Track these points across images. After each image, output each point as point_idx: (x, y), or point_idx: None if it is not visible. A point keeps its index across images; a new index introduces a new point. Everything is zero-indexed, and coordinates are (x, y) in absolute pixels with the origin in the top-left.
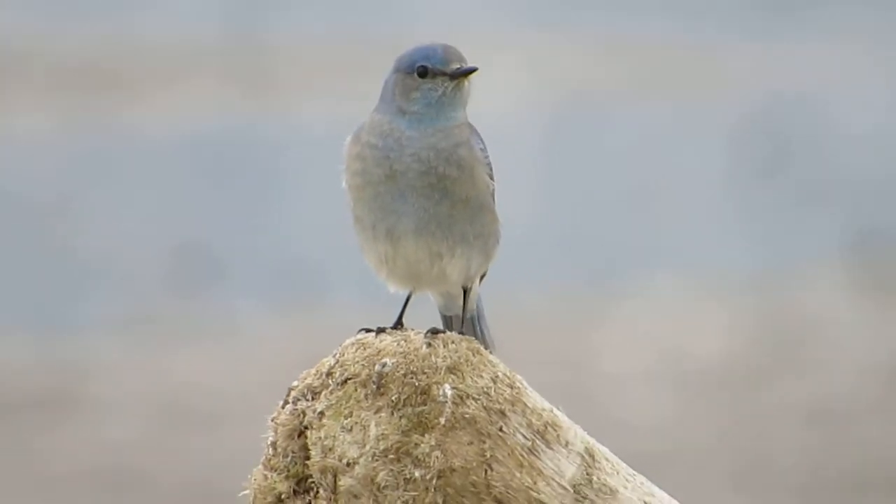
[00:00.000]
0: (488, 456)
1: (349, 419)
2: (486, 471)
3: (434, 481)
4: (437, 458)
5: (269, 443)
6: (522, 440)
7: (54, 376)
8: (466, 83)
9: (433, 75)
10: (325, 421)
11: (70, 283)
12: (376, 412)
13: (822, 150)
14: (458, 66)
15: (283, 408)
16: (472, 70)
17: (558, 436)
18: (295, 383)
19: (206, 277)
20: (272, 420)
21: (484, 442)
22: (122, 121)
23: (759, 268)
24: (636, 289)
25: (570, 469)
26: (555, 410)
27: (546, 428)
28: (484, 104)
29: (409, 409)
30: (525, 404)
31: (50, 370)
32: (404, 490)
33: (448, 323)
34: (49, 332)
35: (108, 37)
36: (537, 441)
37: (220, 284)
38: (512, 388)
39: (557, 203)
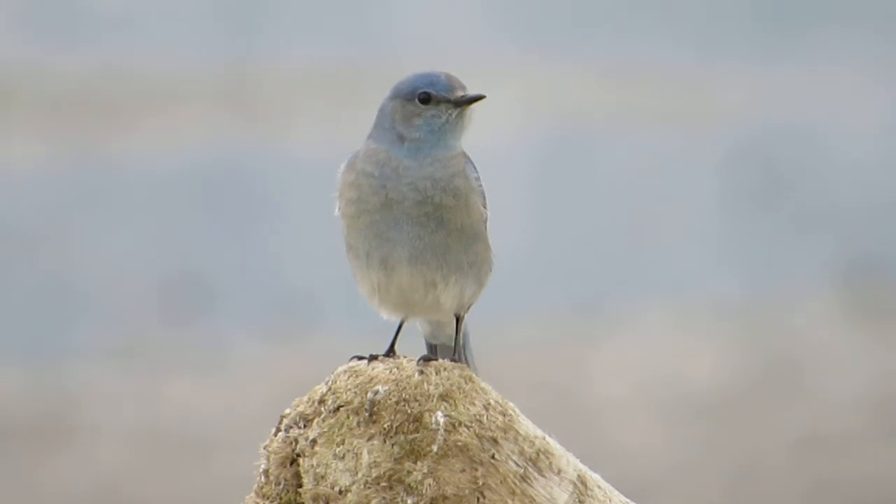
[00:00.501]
0: (480, 483)
1: (341, 447)
2: (478, 498)
3: None
4: (429, 485)
5: (261, 470)
6: (515, 467)
7: (47, 404)
8: (469, 111)
9: (436, 102)
10: (317, 448)
11: (63, 312)
12: (369, 439)
13: (815, 179)
14: (463, 93)
15: (275, 435)
16: (479, 98)
17: (550, 463)
18: (287, 411)
19: (198, 306)
20: (264, 448)
21: (476, 469)
22: (114, 150)
23: (751, 296)
24: (629, 316)
25: (562, 496)
26: (547, 438)
27: (538, 455)
28: (477, 131)
29: (402, 437)
30: (517, 432)
31: (43, 398)
32: None
33: (433, 350)
34: (42, 360)
35: (100, 67)
36: (529, 468)
37: (212, 313)
38: (504, 415)
39: (551, 230)
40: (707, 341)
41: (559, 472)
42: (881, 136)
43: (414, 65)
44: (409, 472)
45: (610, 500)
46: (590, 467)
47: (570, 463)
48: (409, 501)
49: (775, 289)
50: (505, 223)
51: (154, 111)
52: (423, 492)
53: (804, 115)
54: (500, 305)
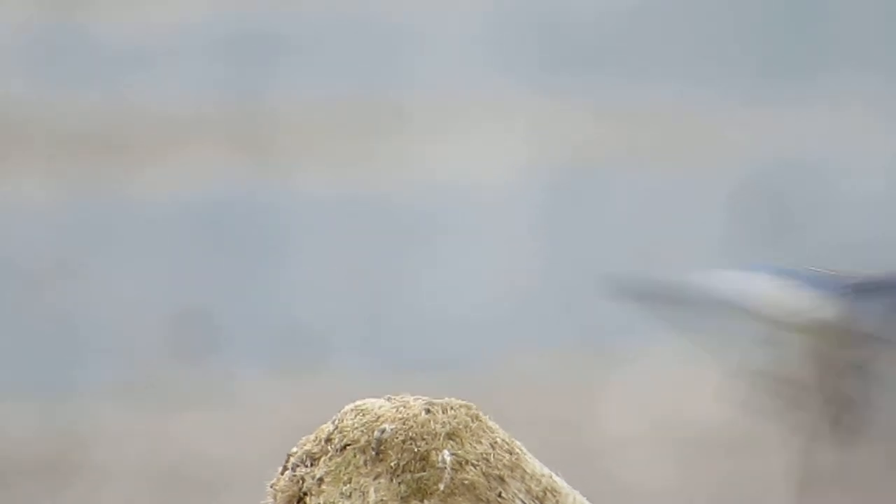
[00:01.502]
0: None
1: (348, 485)
2: None
3: None
4: None
5: None
6: None
7: (53, 443)
8: None
9: None
10: (324, 487)
11: (69, 350)
12: (375, 478)
13: (825, 216)
14: None
15: (281, 474)
16: None
17: (557, 501)
18: (294, 449)
19: (207, 344)
20: (271, 486)
21: None
22: (121, 187)
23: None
24: (636, 352)
25: None
26: (554, 476)
27: (545, 494)
28: (485, 168)
29: (408, 476)
30: (524, 470)
31: (49, 437)
32: None
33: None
34: (48, 398)
35: (107, 103)
36: None
37: (221, 351)
38: (511, 453)
39: (557, 267)
40: (717, 377)
41: None
42: (892, 172)
43: (424, 101)
44: None
45: None
46: None
47: (577, 501)
48: None
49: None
50: (513, 260)
51: (162, 148)
52: None
53: (814, 152)
54: (507, 341)
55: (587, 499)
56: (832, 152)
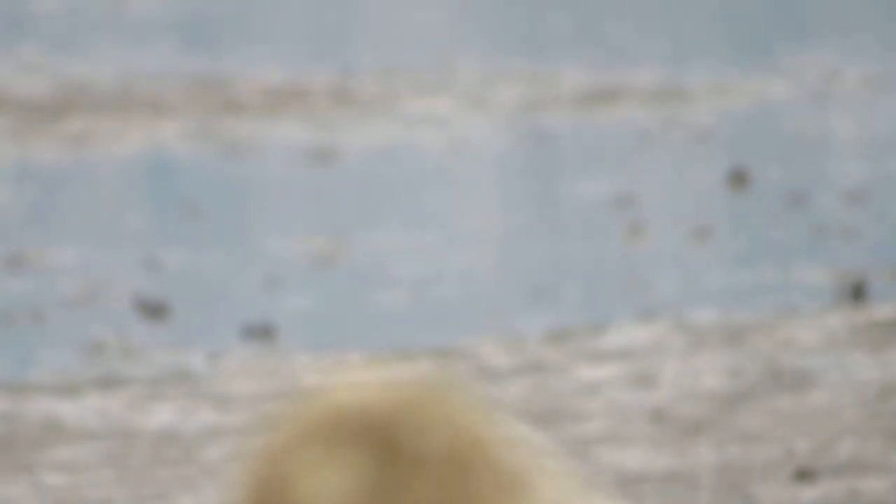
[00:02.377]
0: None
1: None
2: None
3: None
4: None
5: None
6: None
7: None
8: None
9: None
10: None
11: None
12: (352, 464)
13: (821, 194)
14: None
15: (252, 459)
16: None
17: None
18: (260, 433)
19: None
20: (241, 470)
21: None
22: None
23: (753, 315)
24: (628, 337)
25: None
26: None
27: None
28: (461, 153)
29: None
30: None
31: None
32: None
33: None
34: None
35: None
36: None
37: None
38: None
39: (538, 248)
40: (709, 361)
41: None
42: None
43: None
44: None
45: None
46: (590, 492)
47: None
48: None
49: (778, 308)
50: (496, 240)
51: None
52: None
53: (801, 128)
54: (488, 329)
55: (578, 482)
56: (821, 124)
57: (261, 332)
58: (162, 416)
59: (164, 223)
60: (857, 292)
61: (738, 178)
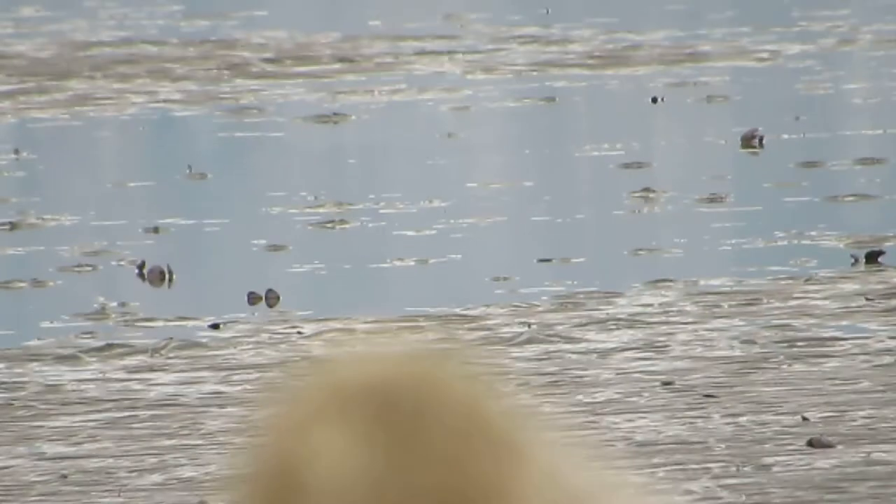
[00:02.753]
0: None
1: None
2: None
3: None
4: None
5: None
6: None
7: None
8: None
9: None
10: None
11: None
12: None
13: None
14: None
15: (255, 431)
16: None
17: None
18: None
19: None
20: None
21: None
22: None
23: (766, 281)
24: (640, 304)
25: None
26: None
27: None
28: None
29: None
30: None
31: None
32: None
33: None
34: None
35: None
36: None
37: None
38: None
39: (548, 213)
40: (724, 324)
41: None
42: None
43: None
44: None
45: None
46: (597, 453)
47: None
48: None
49: (793, 272)
50: (507, 202)
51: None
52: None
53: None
54: (504, 291)
55: (588, 448)
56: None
57: (265, 299)
58: (164, 384)
59: (166, 188)
60: (873, 258)
61: (752, 142)
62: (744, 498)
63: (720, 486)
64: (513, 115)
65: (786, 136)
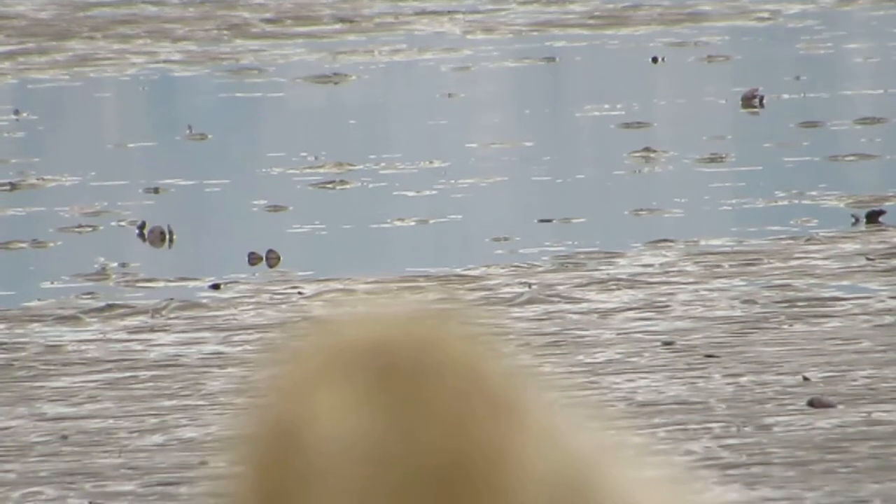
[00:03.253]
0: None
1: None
2: None
3: None
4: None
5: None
6: None
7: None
8: None
9: None
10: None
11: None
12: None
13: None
14: None
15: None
16: None
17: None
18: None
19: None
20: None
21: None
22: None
23: (767, 242)
24: (640, 264)
25: None
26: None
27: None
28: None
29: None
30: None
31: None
32: None
33: None
34: None
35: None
36: None
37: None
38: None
39: (548, 173)
40: (726, 284)
41: None
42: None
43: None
44: None
45: None
46: (597, 414)
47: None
48: None
49: (796, 232)
50: (506, 164)
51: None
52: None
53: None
54: (505, 253)
55: (587, 408)
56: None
57: (265, 260)
58: (164, 344)
59: (167, 148)
60: (873, 217)
61: (752, 102)
62: (744, 458)
63: (721, 447)
64: (513, 75)
65: (786, 96)
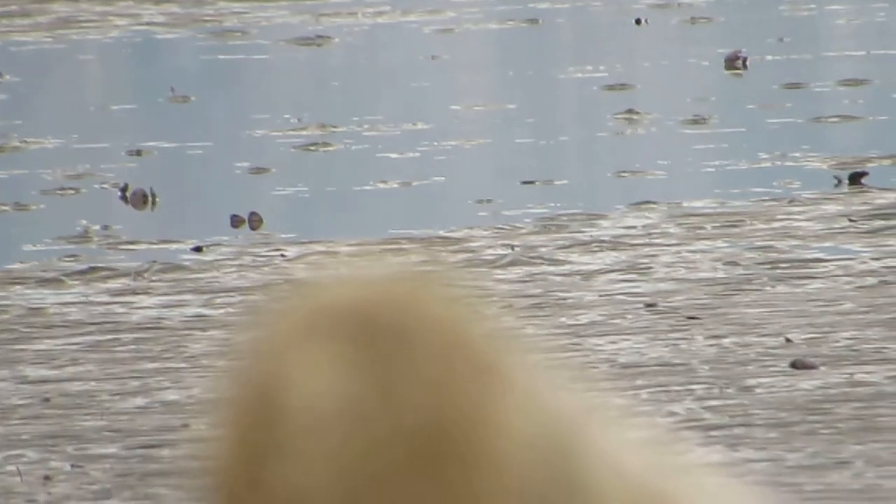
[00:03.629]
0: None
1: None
2: None
3: None
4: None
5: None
6: None
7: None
8: None
9: None
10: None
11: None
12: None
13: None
14: None
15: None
16: None
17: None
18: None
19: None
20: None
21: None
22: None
23: (750, 203)
24: (623, 226)
25: None
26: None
27: None
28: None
29: None
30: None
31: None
32: None
33: None
34: None
35: None
36: None
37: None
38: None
39: (531, 136)
40: (705, 246)
41: None
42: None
43: None
44: None
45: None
46: (576, 367)
47: None
48: None
49: (776, 194)
50: (489, 128)
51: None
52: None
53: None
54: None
55: (565, 361)
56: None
57: (248, 222)
58: (147, 307)
59: (149, 111)
60: (856, 179)
61: (736, 64)
62: (727, 419)
63: (703, 408)
64: (496, 36)
65: (769, 58)
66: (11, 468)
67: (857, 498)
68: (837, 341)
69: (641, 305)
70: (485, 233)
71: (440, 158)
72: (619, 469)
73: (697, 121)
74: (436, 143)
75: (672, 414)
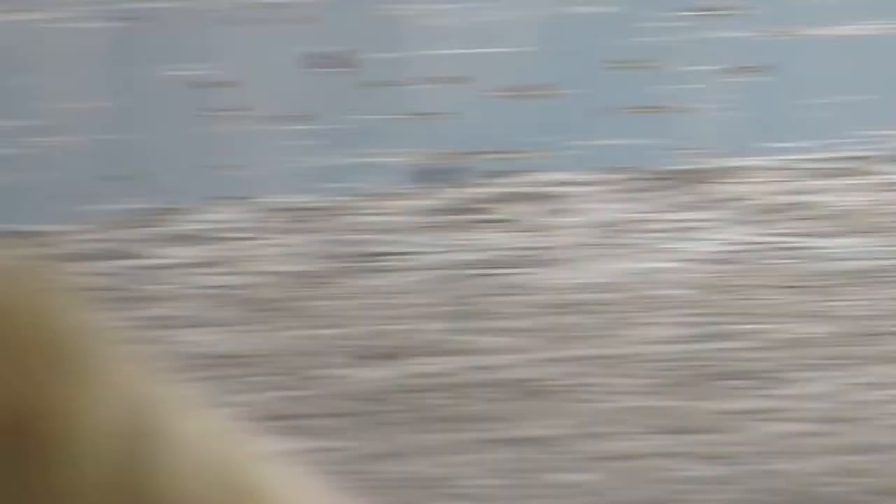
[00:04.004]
0: None
1: None
2: None
3: None
4: None
5: None
6: None
7: None
8: None
9: None
10: None
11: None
12: None
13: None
14: None
15: None
16: None
17: None
18: None
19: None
20: None
21: None
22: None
23: (323, 198)
24: (205, 220)
25: None
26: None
27: None
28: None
29: None
30: None
31: None
32: None
33: None
34: None
35: None
36: None
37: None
38: None
39: (123, 131)
40: (284, 240)
41: None
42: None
43: None
44: None
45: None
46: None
47: None
48: None
49: (353, 190)
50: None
51: None
52: None
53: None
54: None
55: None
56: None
57: None
58: None
59: None
60: (429, 175)
61: (322, 61)
62: (300, 409)
63: (277, 399)
64: (86, 39)
65: (358, 56)
66: None
67: (411, 486)
68: (402, 334)
69: (224, 298)
70: (75, 227)
71: (33, 152)
72: (199, 456)
73: (286, 118)
74: (33, 138)
75: (246, 404)
